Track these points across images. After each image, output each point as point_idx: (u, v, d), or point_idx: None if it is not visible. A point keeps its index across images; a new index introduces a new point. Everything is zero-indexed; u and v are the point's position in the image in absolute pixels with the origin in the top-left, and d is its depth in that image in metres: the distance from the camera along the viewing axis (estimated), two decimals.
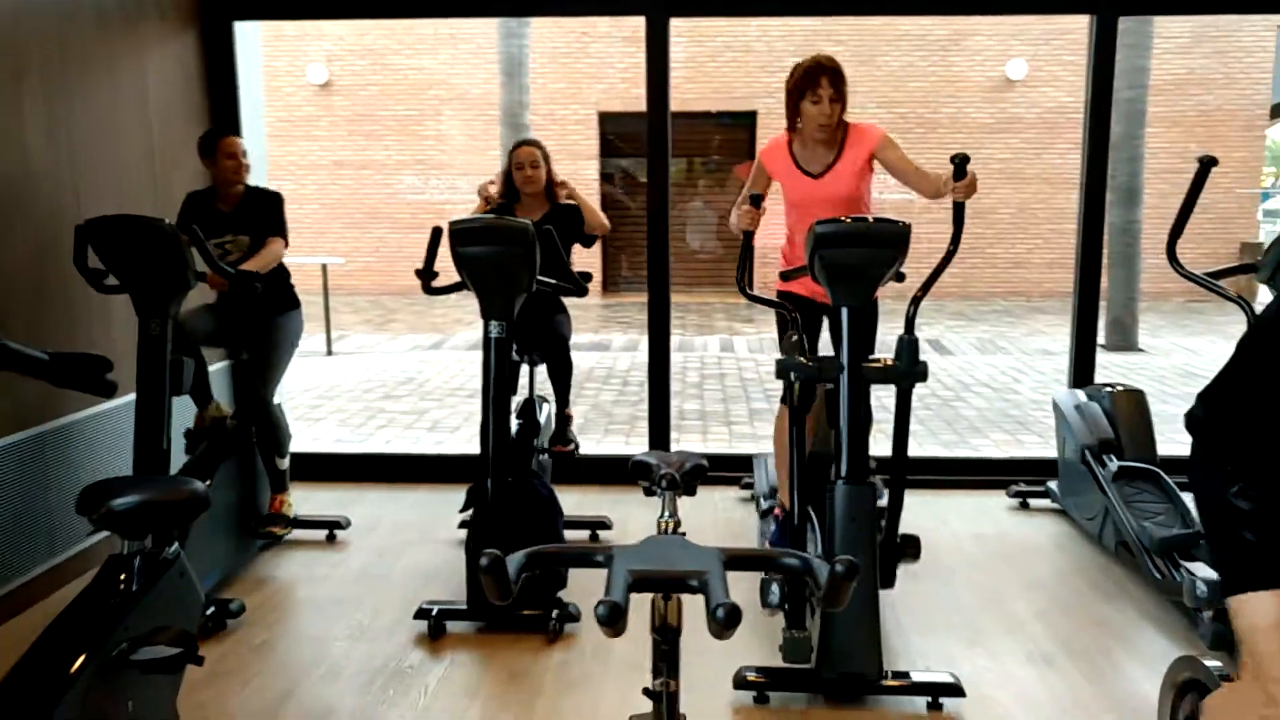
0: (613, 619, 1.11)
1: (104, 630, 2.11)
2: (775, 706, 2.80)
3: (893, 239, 2.78)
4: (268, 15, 5.01)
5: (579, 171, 14.57)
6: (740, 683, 2.81)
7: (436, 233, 3.39)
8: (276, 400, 4.00)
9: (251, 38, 5.04)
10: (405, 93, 14.61)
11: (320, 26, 14.32)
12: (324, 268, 10.06)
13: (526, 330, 3.82)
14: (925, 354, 2.94)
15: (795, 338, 3.08)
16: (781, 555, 1.29)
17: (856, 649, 2.77)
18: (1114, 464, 3.84)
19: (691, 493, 1.99)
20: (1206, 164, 3.21)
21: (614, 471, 4.85)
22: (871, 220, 2.86)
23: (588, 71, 14.39)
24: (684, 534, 2.01)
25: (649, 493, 1.98)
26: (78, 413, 3.68)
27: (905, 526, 3.12)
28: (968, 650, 3.14)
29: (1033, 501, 4.52)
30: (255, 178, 4.95)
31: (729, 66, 14.23)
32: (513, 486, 3.29)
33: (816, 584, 1.22)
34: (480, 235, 3.19)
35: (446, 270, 3.50)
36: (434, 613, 3.26)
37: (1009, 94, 14.15)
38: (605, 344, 10.31)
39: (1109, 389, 4.18)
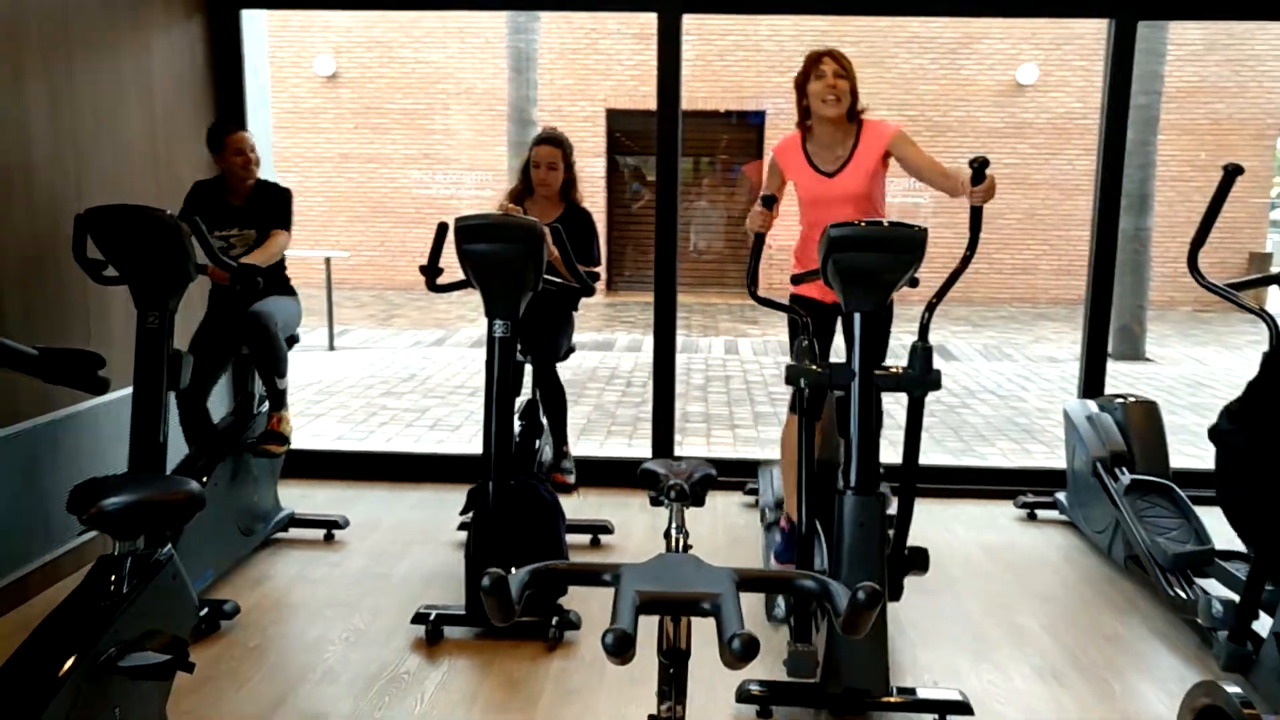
0: (620, 648, 1.04)
1: (92, 634, 2.05)
2: None
3: (909, 244, 2.72)
4: (274, 4, 4.96)
5: (586, 168, 14.43)
6: (743, 696, 2.75)
7: (442, 228, 3.33)
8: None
9: (258, 26, 4.98)
10: (413, 86, 14.55)
11: (327, 18, 14.27)
12: (327, 261, 10.00)
13: (531, 330, 3.76)
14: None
15: (806, 343, 3.01)
16: (797, 577, 1.23)
17: (862, 663, 2.71)
18: (1126, 477, 3.77)
19: (700, 503, 1.93)
20: (1232, 172, 3.12)
21: (615, 474, 4.79)
22: (887, 224, 2.79)
23: (596, 68, 14.33)
24: (690, 546, 1.96)
25: (655, 502, 1.92)
26: (76, 405, 3.62)
27: (911, 537, 3.07)
28: (974, 664, 3.08)
29: (1040, 513, 4.46)
30: (263, 171, 4.92)
31: (738, 65, 14.17)
32: (514, 489, 3.23)
33: (835, 610, 1.16)
34: (486, 232, 3.13)
35: (452, 267, 3.45)
36: (432, 617, 3.20)
37: (1019, 99, 14.08)
38: (609, 343, 10.25)
39: (1121, 400, 4.11)
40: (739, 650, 1.03)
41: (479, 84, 14.29)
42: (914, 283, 2.93)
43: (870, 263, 2.75)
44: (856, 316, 2.78)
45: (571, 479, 4.04)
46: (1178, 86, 13.05)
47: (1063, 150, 14.04)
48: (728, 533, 4.20)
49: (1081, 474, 4.10)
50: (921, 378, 2.77)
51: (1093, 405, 4.22)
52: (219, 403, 4.23)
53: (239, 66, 4.68)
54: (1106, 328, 4.68)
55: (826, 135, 3.38)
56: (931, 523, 4.26)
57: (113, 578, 2.18)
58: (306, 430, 6.28)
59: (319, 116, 14.66)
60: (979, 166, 3.01)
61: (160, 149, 4.16)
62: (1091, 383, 4.63)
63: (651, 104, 4.59)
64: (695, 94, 13.83)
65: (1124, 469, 3.84)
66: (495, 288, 3.18)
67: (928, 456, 5.83)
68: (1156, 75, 9.63)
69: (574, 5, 5.74)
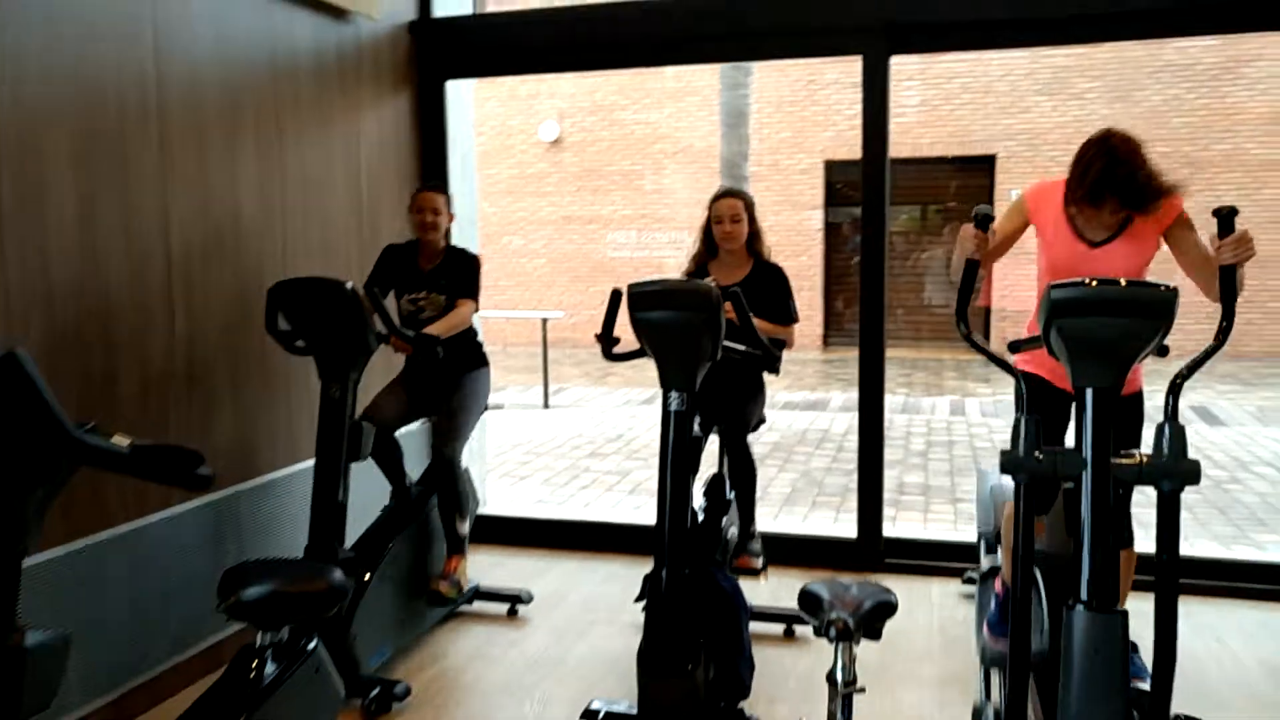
0: None
1: None
2: None
3: (1155, 307, 2.23)
4: (478, 73, 5.04)
5: (803, 222, 14.19)
6: None
7: (616, 295, 3.14)
8: (465, 464, 3.87)
9: (465, 96, 5.09)
10: (632, 148, 14.84)
11: (554, 86, 14.85)
12: (544, 322, 10.21)
13: (718, 399, 3.49)
14: (1190, 424, 2.33)
15: (1026, 421, 2.53)
16: None
17: None
18: None
19: (875, 636, 1.58)
20: None
21: (818, 553, 4.42)
22: (1125, 283, 2.32)
23: (814, 119, 14.04)
24: (861, 689, 1.61)
25: (818, 633, 1.58)
26: (271, 474, 3.70)
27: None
28: None
29: None
30: (465, 237, 4.97)
31: (966, 109, 13.42)
32: (690, 578, 2.94)
33: None
34: (660, 299, 2.90)
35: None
36: (600, 716, 2.95)
37: None
38: (822, 403, 9.78)
39: None
40: None
41: (696, 142, 14.36)
42: (1163, 351, 2.42)
43: (1105, 329, 2.27)
44: (1088, 393, 2.30)
45: (759, 563, 3.69)
46: None
47: None
48: (941, 632, 3.70)
49: None
50: (1172, 467, 2.25)
51: None
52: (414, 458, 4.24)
53: (443, 136, 4.77)
54: None
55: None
56: (1195, 630, 3.59)
57: (252, 669, 2.09)
58: (509, 493, 6.29)
59: (543, 180, 15.23)
60: (1227, 215, 2.48)
61: (365, 219, 4.26)
62: None
63: None
64: (919, 140, 13.24)
65: None
66: (670, 357, 2.93)
67: (1189, 545, 5.05)
68: None
69: (778, 53, 5.52)
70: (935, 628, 3.73)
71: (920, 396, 10.08)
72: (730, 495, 3.67)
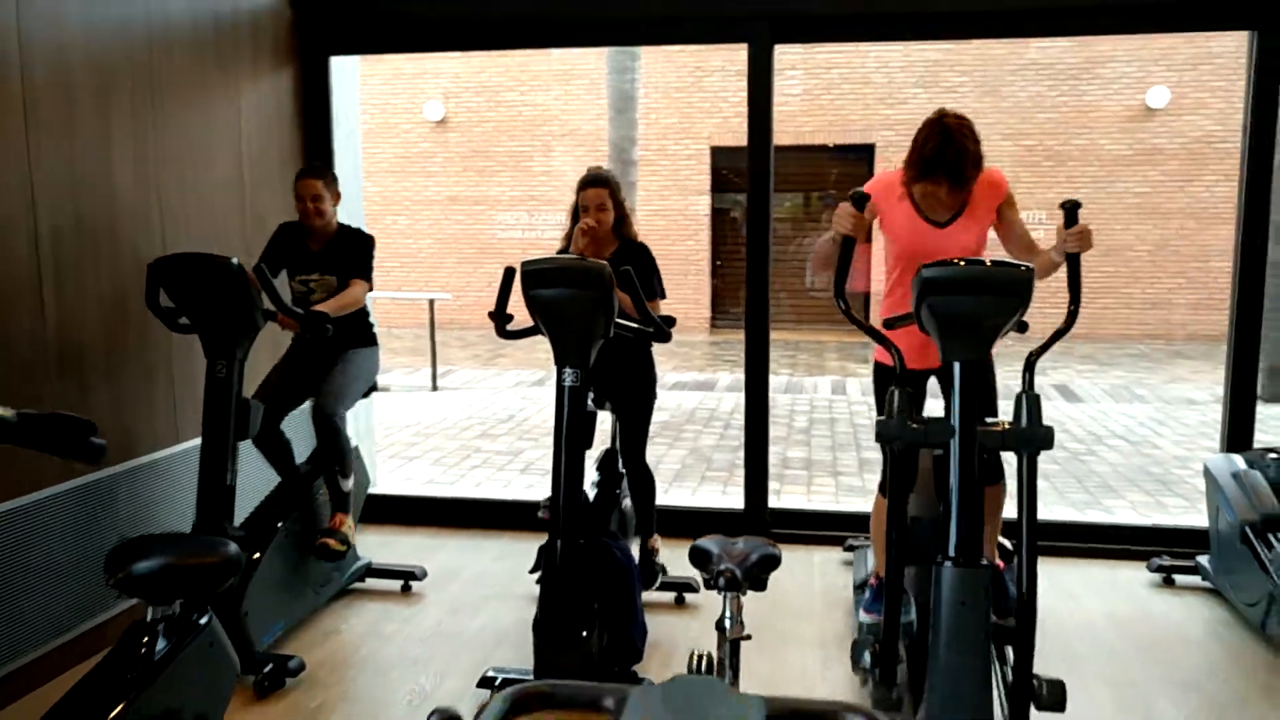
0: None
1: (115, 707, 1.93)
2: None
3: (1014, 285, 2.42)
4: (363, 50, 4.97)
5: (689, 206, 14.40)
6: None
7: (509, 273, 3.18)
8: (354, 442, 3.84)
9: (350, 73, 5.01)
10: (519, 129, 14.75)
11: (439, 65, 14.63)
12: (431, 304, 10.10)
13: (612, 381, 3.58)
14: (1051, 401, 2.53)
15: (898, 394, 2.71)
16: (844, 711, 0.97)
17: None
18: None
19: (760, 587, 1.68)
20: None
21: (706, 525, 4.54)
22: (990, 263, 2.50)
23: (700, 105, 14.24)
24: (748, 636, 1.71)
25: (708, 586, 1.68)
26: (153, 454, 3.61)
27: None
28: None
29: (1179, 578, 3.99)
30: (351, 215, 4.90)
31: (846, 99, 13.85)
32: (585, 549, 3.02)
33: None
34: (553, 276, 2.95)
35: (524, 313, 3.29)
36: (498, 682, 3.01)
37: (1149, 123, 13.30)
38: (710, 383, 9.99)
39: (1275, 455, 3.64)
40: None
41: (583, 125, 14.38)
42: (1022, 327, 2.62)
43: (971, 307, 2.45)
44: (956, 366, 2.48)
45: (656, 584, 3.79)
46: None
47: (1199, 176, 13.18)
48: (823, 595, 3.89)
49: (1227, 538, 3.64)
50: (1031, 433, 2.45)
51: (1239, 460, 3.75)
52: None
53: (327, 113, 4.69)
54: (1254, 371, 4.20)
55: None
56: (1052, 588, 3.86)
57: (142, 646, 2.07)
58: (398, 474, 6.24)
59: (428, 160, 15.00)
60: (1072, 207, 2.70)
61: (247, 197, 4.17)
62: (1237, 434, 4.14)
63: None
64: (801, 128, 13.59)
65: None
66: (564, 335, 3.00)
67: (1048, 510, 5.40)
68: None
69: (665, 39, 5.59)
70: (817, 591, 3.91)
71: (803, 376, 10.41)
72: (622, 469, 3.76)
